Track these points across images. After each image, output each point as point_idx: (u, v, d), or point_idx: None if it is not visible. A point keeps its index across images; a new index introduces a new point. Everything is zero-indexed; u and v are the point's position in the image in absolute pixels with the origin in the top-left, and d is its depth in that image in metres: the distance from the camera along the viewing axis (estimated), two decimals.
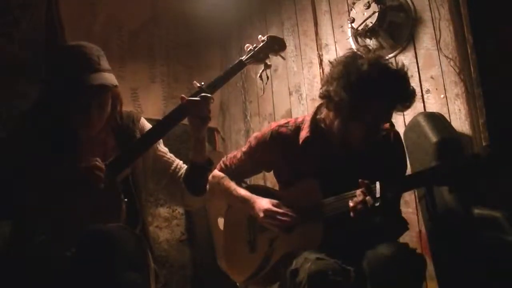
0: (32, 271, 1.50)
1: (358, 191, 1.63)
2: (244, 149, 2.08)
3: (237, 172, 2.11)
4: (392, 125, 1.92)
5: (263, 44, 1.87)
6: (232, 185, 2.05)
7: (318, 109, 1.93)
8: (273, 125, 2.01)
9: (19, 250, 1.58)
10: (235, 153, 2.13)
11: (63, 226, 1.56)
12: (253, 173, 2.22)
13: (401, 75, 1.73)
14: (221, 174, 2.12)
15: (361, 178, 1.64)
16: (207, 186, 1.94)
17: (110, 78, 1.70)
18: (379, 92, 1.68)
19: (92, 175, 1.59)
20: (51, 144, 1.68)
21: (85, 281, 1.41)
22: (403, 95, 1.74)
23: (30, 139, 1.69)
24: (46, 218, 1.57)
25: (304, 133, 1.89)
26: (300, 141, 1.89)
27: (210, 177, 2.11)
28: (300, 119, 1.97)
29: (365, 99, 1.68)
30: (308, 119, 1.93)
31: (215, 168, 2.15)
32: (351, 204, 1.63)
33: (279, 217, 1.84)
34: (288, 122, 1.98)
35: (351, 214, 1.63)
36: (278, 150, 1.95)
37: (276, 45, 1.89)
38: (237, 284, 3.05)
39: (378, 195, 1.59)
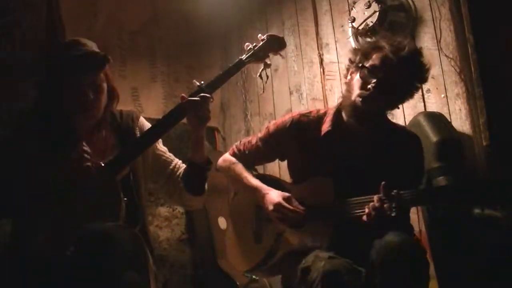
0: (32, 271, 1.50)
1: (376, 197, 1.63)
2: (260, 135, 2.06)
3: (250, 158, 2.09)
4: (416, 136, 1.92)
5: (263, 43, 1.86)
6: (244, 172, 2.03)
7: (341, 103, 1.94)
8: (295, 112, 2.00)
9: (19, 250, 1.58)
10: (250, 139, 2.11)
11: (63, 225, 1.56)
12: (266, 160, 2.21)
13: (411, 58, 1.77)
14: (232, 159, 2.10)
15: (376, 181, 1.63)
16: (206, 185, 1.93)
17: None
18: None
19: (80, 167, 1.59)
20: (51, 143, 1.69)
21: (84, 280, 1.40)
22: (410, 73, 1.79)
23: (31, 139, 1.69)
24: (46, 218, 1.57)
25: (326, 126, 1.88)
26: (322, 133, 1.88)
27: (220, 160, 2.13)
28: (322, 111, 1.96)
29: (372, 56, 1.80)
30: (331, 112, 1.92)
31: (221, 167, 2.15)
32: (366, 210, 1.63)
33: (288, 213, 1.82)
34: (310, 112, 1.98)
35: (365, 218, 1.63)
36: (295, 138, 1.94)
37: (276, 44, 1.89)
38: (237, 283, 3.06)
39: (395, 204, 1.58)
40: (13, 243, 1.65)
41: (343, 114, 1.88)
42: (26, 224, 1.61)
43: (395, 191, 1.60)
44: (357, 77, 1.80)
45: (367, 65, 1.78)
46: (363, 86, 1.77)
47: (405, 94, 1.83)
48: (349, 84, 1.85)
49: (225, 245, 2.23)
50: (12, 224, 1.68)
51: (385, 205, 1.60)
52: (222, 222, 3.32)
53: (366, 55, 1.81)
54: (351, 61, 1.88)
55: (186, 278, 3.43)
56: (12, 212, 1.65)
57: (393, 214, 1.57)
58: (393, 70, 1.74)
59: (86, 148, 1.63)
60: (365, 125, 1.82)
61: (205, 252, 3.38)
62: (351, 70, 1.87)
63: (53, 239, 1.55)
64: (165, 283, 3.31)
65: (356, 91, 1.78)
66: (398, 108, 1.91)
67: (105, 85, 1.76)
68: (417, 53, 1.80)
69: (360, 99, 1.76)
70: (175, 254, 3.44)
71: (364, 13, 2.61)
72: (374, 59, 1.78)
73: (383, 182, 1.62)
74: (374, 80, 1.74)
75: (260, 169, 3.28)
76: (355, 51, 1.90)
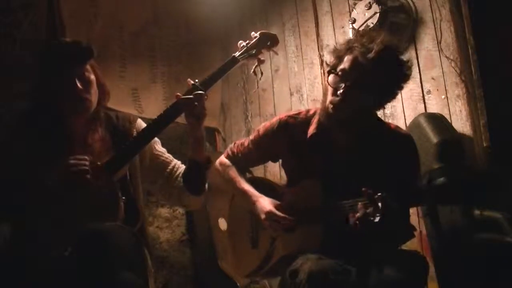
0: (32, 271, 1.50)
1: (359, 205, 1.58)
2: (251, 137, 2.07)
3: (244, 161, 2.10)
4: (409, 135, 1.88)
5: (255, 40, 1.91)
6: (237, 175, 2.04)
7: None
8: (283, 114, 1.99)
9: (19, 250, 1.58)
10: (243, 141, 2.11)
11: (62, 226, 1.56)
12: (259, 162, 2.20)
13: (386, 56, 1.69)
14: (227, 161, 2.11)
15: (366, 183, 1.57)
16: (207, 183, 1.93)
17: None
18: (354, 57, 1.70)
19: (74, 174, 1.59)
20: (48, 144, 1.69)
21: (83, 280, 1.41)
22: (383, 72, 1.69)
23: (28, 139, 1.70)
24: (45, 218, 1.57)
25: (312, 129, 1.87)
26: (308, 135, 1.87)
27: (216, 163, 2.14)
28: (311, 112, 1.94)
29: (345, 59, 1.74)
30: (318, 112, 1.89)
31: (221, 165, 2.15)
32: (350, 216, 1.60)
33: (280, 220, 1.83)
34: (298, 114, 1.96)
35: (352, 228, 1.59)
36: (284, 140, 1.94)
37: (269, 41, 1.93)
38: (238, 284, 3.06)
39: (379, 209, 1.52)
40: (13, 243, 1.65)
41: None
42: (25, 224, 1.61)
43: (378, 194, 1.53)
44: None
45: (339, 68, 1.73)
46: (334, 92, 1.72)
47: (387, 93, 1.76)
48: (325, 88, 1.80)
49: (227, 250, 2.24)
50: (12, 225, 1.67)
51: (368, 210, 1.54)
52: (222, 223, 3.32)
53: (339, 58, 1.76)
54: (326, 63, 1.85)
55: (187, 279, 3.44)
56: (12, 213, 1.65)
57: (376, 220, 1.51)
58: (364, 73, 1.66)
59: (82, 156, 1.63)
60: (350, 126, 1.78)
61: (206, 253, 3.38)
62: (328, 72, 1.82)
63: (52, 239, 1.55)
64: (165, 284, 3.31)
65: (329, 96, 1.74)
66: (385, 108, 1.87)
67: (93, 78, 1.77)
68: (391, 51, 1.70)
69: (332, 106, 1.73)
70: (175, 255, 3.45)
71: (364, 14, 2.61)
72: (345, 62, 1.72)
73: (363, 188, 1.55)
74: (343, 86, 1.69)
75: (261, 168, 3.29)
76: (332, 52, 1.83)
